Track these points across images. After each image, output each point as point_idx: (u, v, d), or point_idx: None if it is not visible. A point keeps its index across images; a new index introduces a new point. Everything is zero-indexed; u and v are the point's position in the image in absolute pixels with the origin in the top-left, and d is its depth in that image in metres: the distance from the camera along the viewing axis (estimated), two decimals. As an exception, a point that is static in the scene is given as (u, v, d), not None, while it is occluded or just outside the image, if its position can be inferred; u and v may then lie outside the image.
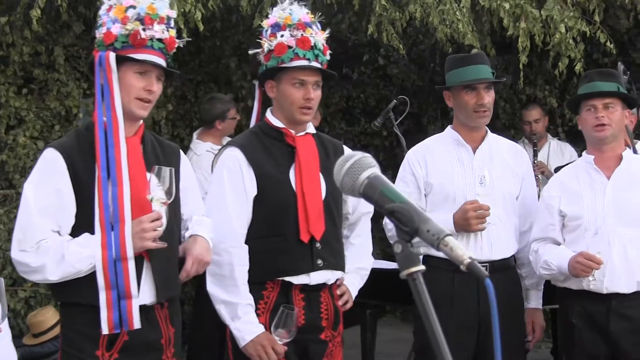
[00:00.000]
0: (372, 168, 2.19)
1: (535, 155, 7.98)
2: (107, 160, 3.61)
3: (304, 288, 4.22)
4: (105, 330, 3.55)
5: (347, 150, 4.30)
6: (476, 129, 4.98)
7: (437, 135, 5.18)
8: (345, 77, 10.23)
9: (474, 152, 4.95)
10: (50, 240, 3.60)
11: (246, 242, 4.16)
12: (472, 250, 4.78)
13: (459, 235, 4.80)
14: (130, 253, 3.57)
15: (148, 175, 3.68)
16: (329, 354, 4.36)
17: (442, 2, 6.91)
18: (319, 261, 4.22)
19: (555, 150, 8.07)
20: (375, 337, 7.47)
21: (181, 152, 4.04)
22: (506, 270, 4.93)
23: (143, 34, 3.63)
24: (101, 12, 3.72)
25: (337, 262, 4.31)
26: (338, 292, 4.36)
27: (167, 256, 3.77)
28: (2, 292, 3.24)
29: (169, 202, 3.66)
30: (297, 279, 4.19)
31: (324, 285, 4.27)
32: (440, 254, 4.82)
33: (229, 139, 6.83)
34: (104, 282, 3.56)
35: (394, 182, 4.95)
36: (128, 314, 3.58)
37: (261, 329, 4.09)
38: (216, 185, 4.26)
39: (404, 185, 5.00)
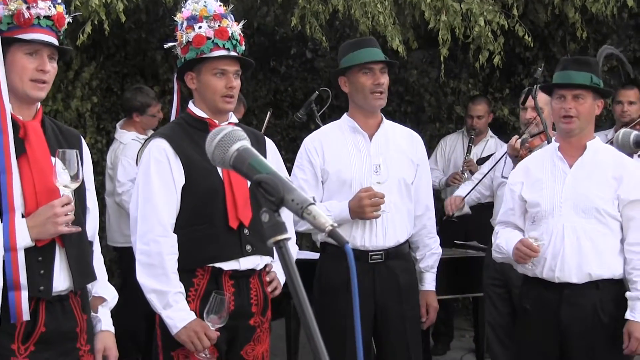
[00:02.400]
0: (241, 141, 2.22)
1: (468, 150, 8.09)
2: None
3: (234, 274, 4.24)
4: None
5: (268, 141, 4.40)
6: (372, 115, 5.03)
7: (334, 123, 5.21)
8: (272, 70, 10.23)
9: (370, 139, 4.98)
10: None
11: (175, 231, 4.16)
12: (367, 237, 4.86)
13: (354, 222, 4.84)
14: (20, 244, 3.44)
15: (53, 159, 3.53)
16: (256, 339, 4.38)
17: None
18: (248, 247, 4.24)
19: (491, 148, 7.99)
20: (299, 328, 7.57)
21: (82, 138, 3.92)
22: (400, 255, 4.98)
23: (27, 14, 3.49)
24: None
25: (265, 247, 4.27)
26: (267, 278, 4.40)
27: (80, 242, 3.70)
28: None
29: (77, 185, 3.56)
30: (227, 265, 4.22)
31: (253, 271, 4.30)
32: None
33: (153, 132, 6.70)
34: None
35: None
36: (17, 306, 3.46)
37: (193, 315, 4.10)
38: (143, 176, 4.24)
39: (302, 173, 5.04)
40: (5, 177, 3.47)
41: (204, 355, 4.14)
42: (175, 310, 4.08)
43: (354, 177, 4.91)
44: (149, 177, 4.19)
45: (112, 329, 3.91)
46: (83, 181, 3.69)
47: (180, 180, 4.21)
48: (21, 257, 3.46)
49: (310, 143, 5.09)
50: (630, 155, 4.84)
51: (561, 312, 4.58)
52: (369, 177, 4.91)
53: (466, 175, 7.83)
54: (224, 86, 4.21)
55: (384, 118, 5.09)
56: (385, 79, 4.97)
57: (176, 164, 4.20)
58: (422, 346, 5.42)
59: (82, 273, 3.69)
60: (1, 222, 3.46)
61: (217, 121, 4.26)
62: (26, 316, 3.48)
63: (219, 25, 4.18)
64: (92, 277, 3.81)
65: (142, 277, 4.10)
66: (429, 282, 5.18)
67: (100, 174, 7.28)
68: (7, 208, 3.47)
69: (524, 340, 4.86)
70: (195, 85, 4.29)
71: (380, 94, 4.94)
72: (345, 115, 5.11)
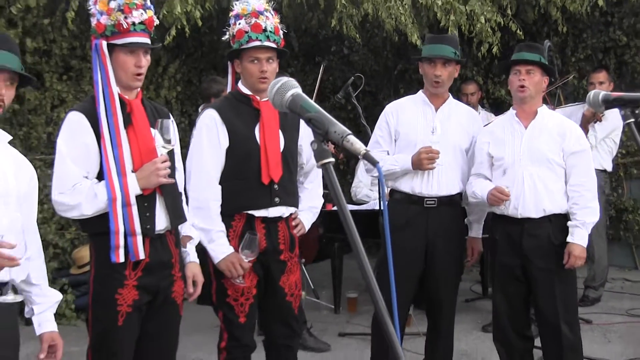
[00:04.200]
0: (295, 89, 2.20)
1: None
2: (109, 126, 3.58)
3: (264, 220, 4.21)
4: (115, 260, 3.55)
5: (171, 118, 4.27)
6: (438, 95, 4.98)
7: (411, 96, 5.16)
8: (317, 63, 10.11)
9: (436, 111, 4.96)
10: (82, 183, 3.56)
11: (219, 184, 4.17)
12: (423, 186, 4.85)
13: (415, 173, 4.84)
14: (132, 199, 3.55)
15: (152, 130, 3.66)
16: (287, 270, 4.34)
17: (389, 0, 6.89)
18: (276, 199, 4.21)
19: (483, 118, 7.93)
20: (342, 265, 7.61)
21: (170, 114, 3.96)
22: (451, 204, 4.93)
23: (125, 23, 3.56)
24: (90, 3, 3.64)
25: (291, 200, 4.32)
26: (293, 223, 4.38)
27: (173, 192, 3.78)
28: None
29: (171, 147, 3.67)
30: (258, 212, 4.19)
31: (280, 218, 4.27)
32: (402, 189, 4.93)
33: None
34: (114, 224, 3.54)
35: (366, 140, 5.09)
36: (134, 248, 3.57)
37: (231, 249, 4.10)
38: (196, 139, 4.23)
39: (379, 131, 5.05)
40: (117, 146, 3.57)
41: (238, 281, 4.16)
42: (217, 244, 4.10)
43: (418, 137, 4.89)
44: (201, 139, 4.19)
45: (197, 261, 3.99)
46: (173, 145, 3.78)
47: (225, 143, 4.18)
48: (135, 210, 3.56)
49: (389, 109, 5.10)
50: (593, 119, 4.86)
51: (523, 241, 4.63)
52: (428, 137, 4.89)
53: None
54: (258, 70, 4.15)
55: (450, 96, 5.06)
56: (445, 72, 4.88)
57: (222, 130, 4.18)
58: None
59: (176, 215, 3.77)
60: (118, 179, 3.55)
61: (258, 97, 4.23)
62: (142, 255, 3.60)
63: (254, 21, 4.13)
64: (183, 219, 3.89)
65: (193, 217, 4.08)
66: (476, 231, 5.15)
67: (184, 147, 7.36)
68: (119, 170, 3.56)
69: (496, 264, 4.86)
70: (240, 69, 4.26)
71: (437, 84, 4.89)
72: (420, 91, 5.09)
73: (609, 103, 3.50)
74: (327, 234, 7.39)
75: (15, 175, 3.22)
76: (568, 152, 4.60)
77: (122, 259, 3.56)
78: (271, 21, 4.19)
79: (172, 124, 3.68)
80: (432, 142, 4.86)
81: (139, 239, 3.58)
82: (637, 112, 3.43)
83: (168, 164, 3.63)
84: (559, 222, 4.61)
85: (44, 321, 3.40)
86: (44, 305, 3.43)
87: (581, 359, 4.72)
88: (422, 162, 4.77)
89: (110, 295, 3.62)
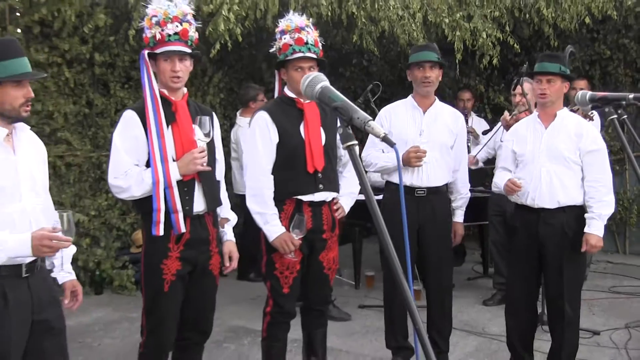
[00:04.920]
0: (324, 82, 2.22)
1: (466, 122, 8.01)
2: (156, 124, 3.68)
3: (310, 204, 4.25)
4: (155, 233, 3.67)
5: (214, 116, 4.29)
6: (426, 97, 5.01)
7: (401, 100, 5.17)
8: (341, 74, 10.17)
9: (424, 113, 4.99)
10: (132, 170, 3.69)
11: (272, 173, 4.21)
12: (414, 178, 4.93)
13: (406, 168, 4.90)
14: (174, 183, 3.67)
15: (194, 126, 3.77)
16: (327, 247, 4.38)
17: (403, 18, 6.86)
18: (320, 185, 4.25)
19: (475, 121, 8.05)
20: (362, 248, 7.61)
21: (214, 114, 4.07)
22: (438, 193, 5.01)
23: (159, 35, 3.67)
24: (142, 21, 3.78)
25: (332, 186, 4.35)
26: (335, 207, 4.41)
27: (211, 179, 3.87)
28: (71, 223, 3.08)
29: (208, 140, 3.77)
30: (305, 197, 4.23)
31: (324, 202, 4.31)
32: (395, 181, 4.97)
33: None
34: (156, 203, 3.67)
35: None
36: (176, 223, 3.69)
37: (283, 229, 4.14)
38: (251, 136, 4.28)
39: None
40: (160, 138, 3.68)
41: (290, 256, 4.20)
42: (271, 225, 4.14)
43: (409, 137, 4.93)
44: (255, 137, 4.23)
45: (234, 239, 4.09)
46: (213, 140, 3.92)
47: (275, 139, 4.22)
48: (176, 192, 3.68)
49: (383, 113, 5.14)
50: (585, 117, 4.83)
51: (539, 228, 4.58)
52: (417, 138, 4.93)
53: (471, 139, 7.77)
54: (301, 77, 4.15)
55: (437, 99, 5.07)
56: (433, 73, 4.94)
57: (272, 128, 4.21)
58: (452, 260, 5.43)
59: (212, 199, 3.86)
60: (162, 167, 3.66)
61: (302, 100, 4.25)
62: (183, 229, 3.71)
63: (297, 36, 4.17)
64: (219, 203, 3.96)
65: (250, 203, 4.16)
66: (459, 216, 5.20)
67: (225, 146, 7.40)
68: (163, 158, 3.67)
69: (515, 249, 4.81)
70: (286, 77, 4.29)
71: (428, 83, 4.93)
72: (410, 96, 5.10)
73: (595, 101, 3.48)
74: (348, 220, 7.39)
75: (37, 162, 3.21)
76: (584, 151, 4.49)
77: (161, 233, 3.68)
78: (311, 35, 4.23)
79: (209, 121, 3.77)
80: (421, 142, 4.91)
81: (180, 215, 3.69)
82: (619, 111, 3.41)
83: (204, 154, 3.72)
84: (573, 213, 4.52)
85: (64, 272, 3.41)
86: (63, 259, 3.44)
87: (577, 336, 4.69)
88: (410, 160, 4.85)
89: (157, 265, 3.74)
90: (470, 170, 7.50)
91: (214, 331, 4.19)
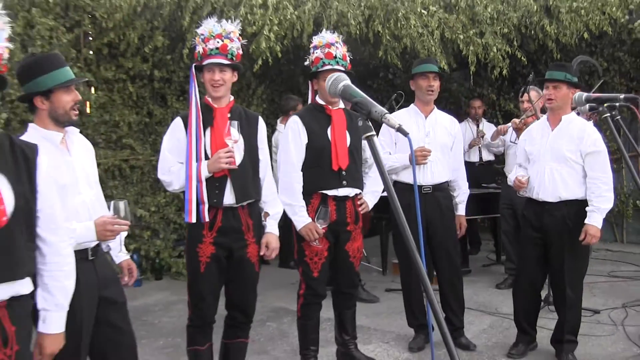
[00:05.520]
0: (345, 81, 2.19)
1: (478, 127, 7.97)
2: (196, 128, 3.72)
3: (335, 198, 4.28)
4: (187, 220, 3.71)
5: (260, 119, 4.15)
6: (428, 104, 4.96)
7: (404, 109, 5.11)
8: (369, 87, 10.12)
9: (426, 118, 4.95)
10: (174, 167, 3.76)
11: (301, 170, 4.25)
12: (420, 176, 4.86)
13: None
14: (203, 179, 3.68)
15: (232, 129, 3.74)
16: (352, 238, 4.39)
17: (423, 35, 6.83)
18: (344, 182, 4.27)
19: (485, 126, 7.95)
20: (388, 239, 7.58)
21: (260, 118, 4.00)
22: (442, 190, 4.97)
23: (201, 50, 3.75)
24: (194, 41, 3.84)
25: (356, 184, 4.36)
26: (359, 202, 4.41)
27: (243, 176, 3.80)
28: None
29: (234, 142, 3.72)
30: (330, 192, 4.27)
31: (347, 197, 4.32)
32: (403, 180, 4.83)
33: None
34: (188, 195, 3.70)
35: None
36: (203, 212, 3.69)
37: (309, 219, 4.19)
38: (284, 137, 4.31)
39: (383, 137, 4.98)
40: (198, 139, 3.70)
41: (315, 243, 4.23)
42: (299, 216, 4.18)
43: (414, 139, 4.83)
44: (287, 139, 4.26)
45: (276, 232, 3.96)
46: (253, 141, 3.89)
47: (305, 140, 4.25)
48: (204, 187, 3.69)
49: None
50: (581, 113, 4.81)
51: (544, 219, 4.56)
52: (423, 139, 4.88)
53: (481, 140, 7.78)
54: None
55: (435, 107, 5.03)
56: (435, 83, 4.91)
57: (303, 131, 4.25)
58: (460, 248, 5.38)
59: (242, 194, 3.79)
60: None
61: (330, 107, 4.28)
62: (207, 218, 3.72)
63: (327, 51, 4.20)
64: (251, 198, 3.86)
65: (281, 195, 4.12)
66: (461, 210, 5.15)
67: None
68: (198, 157, 3.70)
69: (523, 238, 4.79)
70: (317, 87, 4.32)
71: (431, 92, 4.90)
72: (412, 104, 5.06)
73: (590, 101, 3.45)
74: (376, 214, 7.39)
75: (88, 159, 3.22)
76: (585, 152, 4.44)
77: (193, 220, 3.71)
78: (340, 50, 4.24)
79: (237, 125, 3.74)
80: (426, 143, 4.87)
81: (206, 207, 3.70)
82: (614, 112, 3.37)
83: (231, 153, 3.70)
84: (574, 207, 4.47)
85: (122, 253, 3.42)
86: (117, 241, 3.46)
87: (578, 316, 4.64)
88: (417, 158, 4.79)
89: (194, 249, 3.78)
90: (482, 168, 7.57)
91: (258, 311, 4.20)
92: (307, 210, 4.23)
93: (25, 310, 2.46)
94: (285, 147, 4.30)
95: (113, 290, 3.16)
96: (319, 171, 4.27)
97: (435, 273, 5.25)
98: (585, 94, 3.47)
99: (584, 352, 4.81)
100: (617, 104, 3.36)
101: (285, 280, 7.20)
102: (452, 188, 5.13)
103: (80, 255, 2.92)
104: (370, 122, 2.06)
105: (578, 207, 4.46)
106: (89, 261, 3.04)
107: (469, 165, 7.58)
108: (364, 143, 4.38)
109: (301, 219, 4.20)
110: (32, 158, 2.48)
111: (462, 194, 5.17)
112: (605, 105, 3.35)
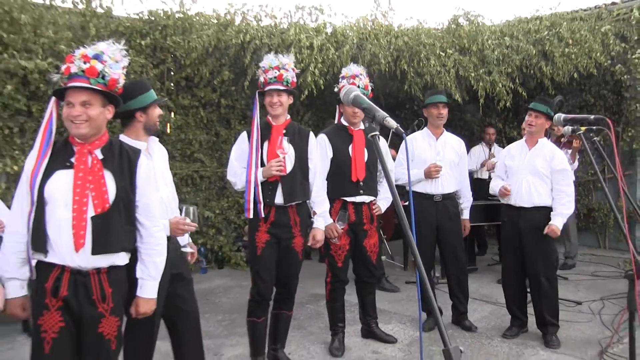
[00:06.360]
0: (356, 92, 2.16)
1: (490, 150, 7.97)
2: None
3: (353, 203, 4.31)
4: (247, 215, 3.74)
5: (382, 138, 4.21)
6: (438, 128, 4.95)
7: (418, 132, 5.12)
8: (396, 115, 10.03)
9: (437, 139, 4.94)
10: (238, 171, 3.81)
11: (327, 180, 4.21)
12: (432, 188, 4.86)
13: (427, 180, 4.84)
14: (259, 182, 3.69)
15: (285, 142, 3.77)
16: (368, 236, 4.40)
17: (440, 73, 6.86)
18: (361, 190, 4.29)
19: (496, 150, 7.87)
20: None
21: (312, 134, 3.99)
22: (450, 199, 4.95)
23: (262, 79, 3.79)
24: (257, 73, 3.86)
25: (371, 192, 4.36)
26: (374, 207, 4.41)
27: (292, 181, 3.81)
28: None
29: (284, 154, 3.74)
30: (349, 199, 4.29)
31: (363, 202, 4.33)
32: (418, 191, 4.81)
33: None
34: (247, 195, 3.72)
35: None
36: (260, 210, 3.72)
37: (331, 220, 4.18)
38: (314, 152, 4.19)
39: (402, 154, 5.00)
40: (257, 150, 3.75)
41: (334, 240, 4.24)
42: (322, 217, 4.07)
43: (427, 157, 4.90)
44: (316, 153, 4.21)
45: (322, 227, 3.98)
46: (303, 152, 3.88)
47: (330, 154, 4.25)
48: (260, 189, 3.73)
49: (408, 140, 5.01)
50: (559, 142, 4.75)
51: (519, 221, 4.62)
52: (434, 157, 4.90)
53: (493, 160, 7.65)
54: (352, 112, 4.19)
55: (445, 130, 5.04)
56: (444, 111, 4.92)
57: (328, 147, 4.25)
58: (466, 249, 5.36)
59: (290, 196, 3.81)
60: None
61: (352, 127, 4.25)
62: (263, 215, 3.78)
63: (352, 81, 4.17)
64: (298, 199, 3.87)
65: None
66: (466, 214, 5.13)
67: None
68: (256, 164, 3.74)
69: (503, 238, 4.84)
70: (342, 110, 4.32)
71: (441, 118, 4.92)
72: (425, 128, 5.09)
73: (567, 121, 3.50)
74: (399, 221, 7.41)
75: (164, 162, 3.25)
76: (554, 169, 4.53)
77: (251, 216, 3.75)
78: (363, 81, 4.26)
79: (287, 140, 3.77)
80: (437, 160, 4.87)
81: (262, 205, 3.74)
82: (591, 134, 3.42)
83: (279, 162, 3.73)
84: (544, 212, 4.55)
85: (317, 221, 3.68)
86: (185, 238, 3.47)
87: (555, 303, 4.64)
88: (431, 173, 4.81)
89: (253, 237, 3.85)
90: (487, 183, 7.55)
91: (299, 295, 4.26)
92: (330, 213, 4.21)
93: (120, 278, 2.64)
94: (316, 160, 4.24)
95: (181, 268, 3.29)
96: (340, 181, 4.26)
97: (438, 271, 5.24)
98: (563, 115, 3.54)
99: (565, 335, 4.83)
100: (594, 127, 3.40)
101: (323, 272, 7.14)
102: (458, 197, 5.14)
103: None
104: (373, 123, 2.07)
105: (547, 212, 4.54)
106: None
107: (480, 181, 7.69)
108: (365, 131, 4.26)
109: (325, 220, 4.16)
110: (134, 160, 2.65)
111: (466, 201, 5.17)
112: (582, 131, 3.39)
